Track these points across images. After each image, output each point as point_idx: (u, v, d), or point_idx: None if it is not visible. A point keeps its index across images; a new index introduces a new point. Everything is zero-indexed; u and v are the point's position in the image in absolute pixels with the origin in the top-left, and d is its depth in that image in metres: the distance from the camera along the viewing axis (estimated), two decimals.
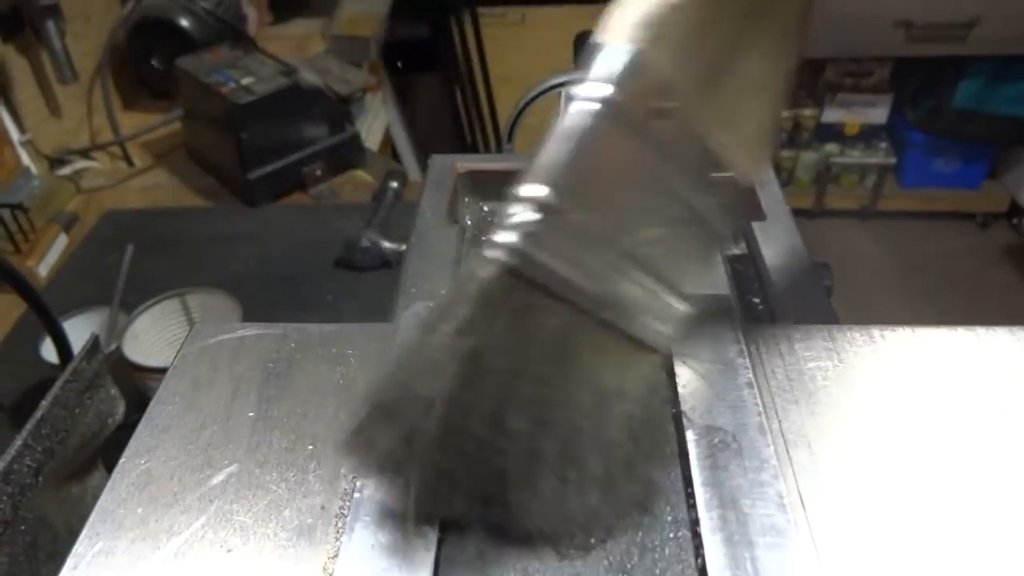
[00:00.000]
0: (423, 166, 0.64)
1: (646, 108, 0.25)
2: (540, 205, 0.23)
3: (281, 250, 1.05)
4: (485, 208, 0.64)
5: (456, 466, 0.25)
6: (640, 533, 0.27)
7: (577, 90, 0.25)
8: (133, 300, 0.81)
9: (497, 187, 0.64)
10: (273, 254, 1.05)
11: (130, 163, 1.29)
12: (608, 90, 0.24)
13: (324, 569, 0.27)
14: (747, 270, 0.55)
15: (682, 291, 0.30)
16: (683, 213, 0.28)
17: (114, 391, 0.57)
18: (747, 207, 0.55)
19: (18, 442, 0.46)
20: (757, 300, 0.52)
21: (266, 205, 1.15)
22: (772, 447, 0.29)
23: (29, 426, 0.47)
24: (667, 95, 0.25)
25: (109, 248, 1.05)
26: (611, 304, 0.26)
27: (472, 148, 2.28)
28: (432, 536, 0.26)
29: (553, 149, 0.24)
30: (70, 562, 0.27)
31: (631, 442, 0.28)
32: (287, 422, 0.33)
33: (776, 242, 0.52)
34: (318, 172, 1.16)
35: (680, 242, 0.29)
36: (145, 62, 1.40)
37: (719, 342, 0.33)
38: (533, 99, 0.80)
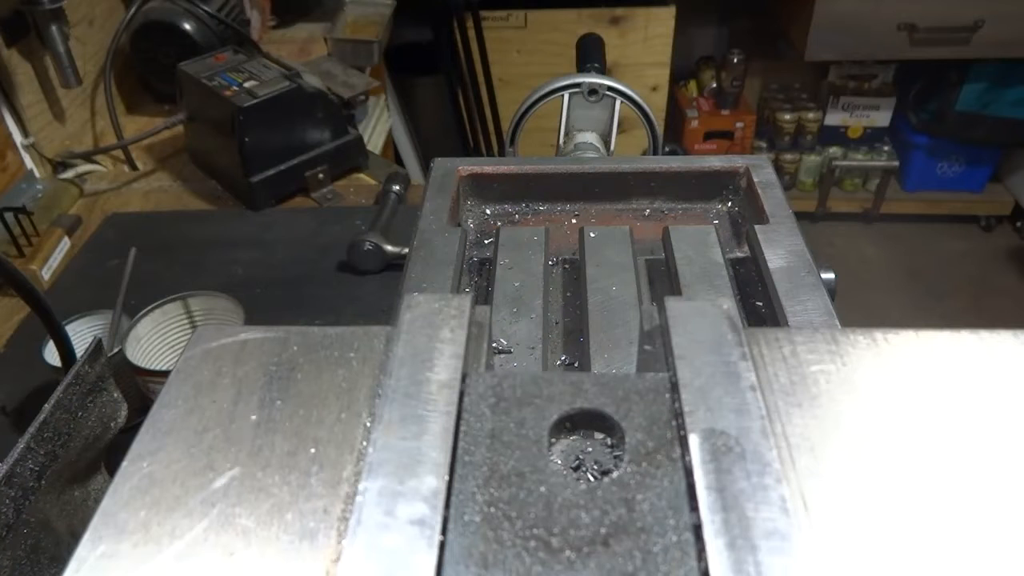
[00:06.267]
0: (425, 169, 0.64)
1: None
2: None
3: (284, 253, 1.06)
4: (487, 211, 0.64)
5: None
6: (643, 537, 0.27)
7: None
8: (136, 303, 0.81)
9: (499, 190, 0.64)
10: (276, 257, 1.05)
11: (133, 167, 1.29)
12: None
13: (326, 572, 0.27)
14: (750, 273, 0.55)
15: None
16: None
17: (117, 394, 0.58)
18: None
19: (20, 445, 0.46)
20: (760, 303, 0.52)
21: (269, 208, 1.15)
22: (775, 451, 0.29)
23: (32, 429, 0.47)
24: None
25: (112, 251, 1.05)
26: None
27: (474, 151, 2.28)
28: (434, 538, 0.26)
29: None
30: (72, 565, 0.27)
31: None
32: (289, 425, 0.33)
33: (779, 245, 0.52)
34: (320, 175, 1.17)
35: None
36: (148, 66, 1.40)
37: (722, 345, 0.33)
38: (536, 102, 0.80)
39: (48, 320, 0.60)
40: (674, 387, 0.32)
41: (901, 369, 0.34)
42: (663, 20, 2.28)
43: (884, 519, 0.28)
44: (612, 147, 0.81)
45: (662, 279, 0.56)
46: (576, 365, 0.49)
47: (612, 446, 0.32)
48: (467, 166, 0.63)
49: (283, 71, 1.14)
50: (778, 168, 2.67)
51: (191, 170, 1.27)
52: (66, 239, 1.07)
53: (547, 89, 0.80)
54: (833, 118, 2.65)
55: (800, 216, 0.55)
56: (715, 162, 0.62)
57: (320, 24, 1.68)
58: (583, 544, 0.27)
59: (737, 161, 0.62)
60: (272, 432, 0.32)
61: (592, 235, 0.56)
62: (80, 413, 0.53)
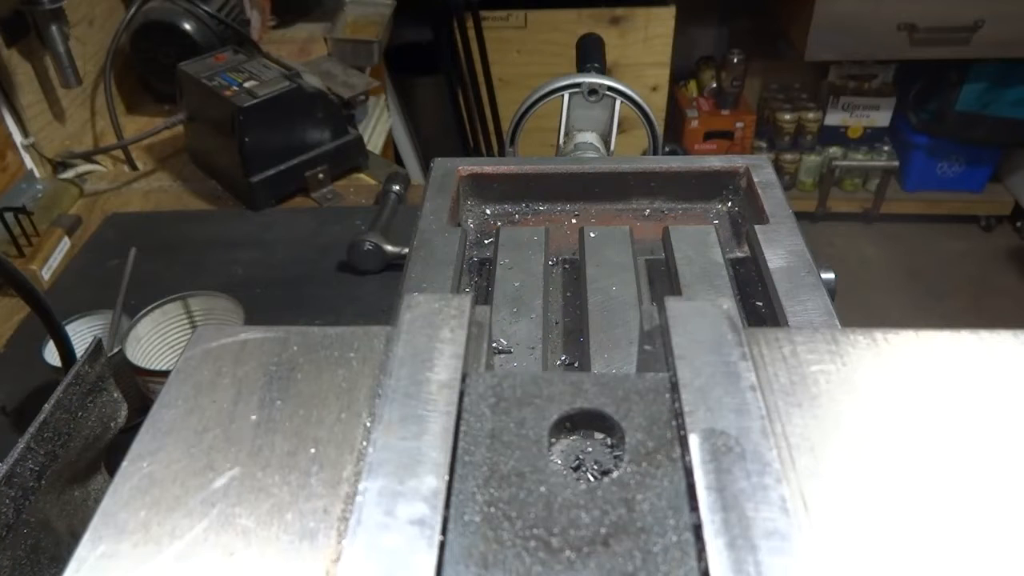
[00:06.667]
0: (425, 169, 0.64)
1: None
2: None
3: (284, 253, 1.06)
4: (487, 211, 0.64)
5: None
6: (643, 537, 0.27)
7: None
8: (136, 303, 0.81)
9: (499, 190, 0.64)
10: (276, 257, 1.05)
11: (133, 167, 1.29)
12: None
13: (326, 572, 0.27)
14: (750, 273, 0.55)
15: None
16: None
17: (117, 394, 0.58)
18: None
19: (21, 445, 0.46)
20: (760, 303, 0.52)
21: (269, 208, 1.15)
22: (775, 451, 0.29)
23: (32, 429, 0.47)
24: None
25: (112, 251, 1.05)
26: None
27: (474, 151, 2.28)
28: (434, 538, 0.26)
29: None
30: (72, 565, 0.27)
31: None
32: (289, 425, 0.33)
33: (779, 245, 0.52)
34: (320, 175, 1.17)
35: None
36: (148, 66, 1.40)
37: (722, 345, 0.33)
38: (536, 102, 0.80)
39: (48, 320, 0.60)
40: (674, 387, 0.32)
41: (901, 369, 0.34)
42: (663, 20, 2.28)
43: (884, 519, 0.28)
44: (612, 147, 0.81)
45: (662, 279, 0.56)
46: (576, 365, 0.49)
47: (612, 446, 0.32)
48: (467, 166, 0.63)
49: (283, 71, 1.14)
50: (778, 168, 2.68)
51: (191, 170, 1.27)
52: (66, 239, 1.07)
53: (547, 89, 0.80)
54: (833, 118, 2.65)
55: (800, 216, 0.55)
56: (715, 162, 0.62)
57: (320, 24, 1.68)
58: (583, 544, 0.27)
59: (737, 161, 0.62)
60: (272, 432, 0.32)
61: (592, 235, 0.56)
62: (80, 413, 0.53)
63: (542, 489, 0.29)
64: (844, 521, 0.28)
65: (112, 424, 0.57)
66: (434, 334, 0.35)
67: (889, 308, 2.43)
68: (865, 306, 2.40)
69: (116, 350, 0.75)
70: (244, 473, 0.30)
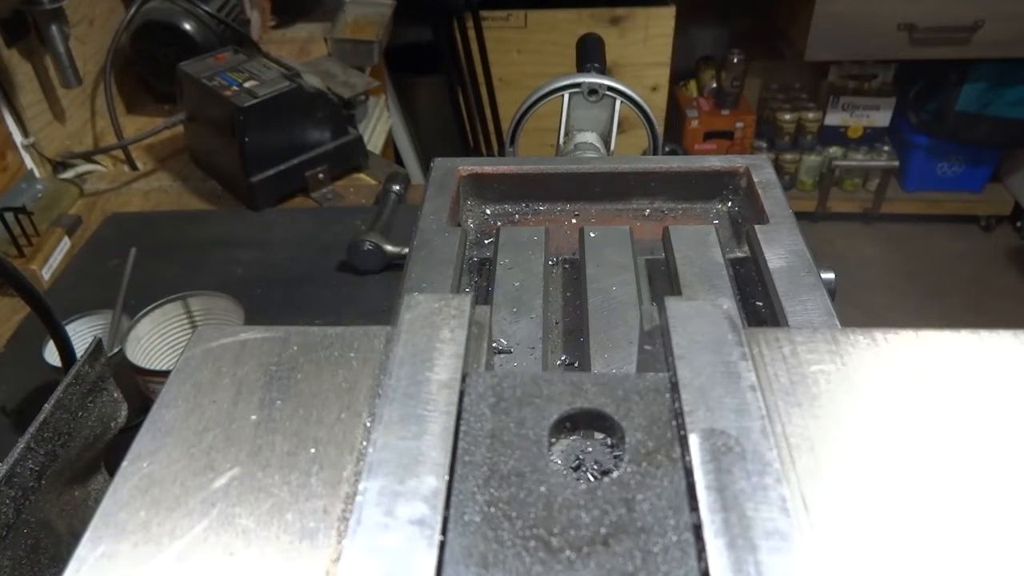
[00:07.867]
0: (425, 169, 0.64)
1: None
2: None
3: (284, 253, 1.06)
4: (487, 211, 0.64)
5: None
6: (643, 537, 0.27)
7: None
8: (136, 303, 0.81)
9: (499, 190, 0.64)
10: (276, 257, 1.05)
11: (133, 167, 1.29)
12: None
13: (326, 572, 0.27)
14: (750, 273, 0.55)
15: None
16: None
17: (117, 394, 0.58)
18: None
19: (21, 445, 0.46)
20: (760, 303, 0.52)
21: (269, 208, 1.15)
22: (775, 451, 0.29)
23: (32, 429, 0.47)
24: None
25: (112, 251, 1.05)
26: None
27: (474, 151, 2.28)
28: (434, 538, 0.26)
29: None
30: (72, 565, 0.27)
31: None
32: (289, 425, 0.33)
33: (779, 245, 0.52)
34: (321, 175, 1.17)
35: None
36: (148, 66, 1.40)
37: (722, 345, 0.33)
38: (536, 102, 0.80)
39: (48, 320, 0.60)
40: (674, 387, 0.32)
41: (901, 369, 0.34)
42: (663, 20, 2.28)
43: (884, 519, 0.28)
44: (612, 147, 0.81)
45: (662, 279, 0.56)
46: (576, 365, 0.49)
47: (612, 446, 0.32)
48: (467, 166, 0.63)
49: (283, 71, 1.14)
50: (778, 168, 2.68)
51: (191, 170, 1.27)
52: (66, 239, 1.07)
53: (547, 89, 0.80)
54: (833, 118, 2.65)
55: (800, 216, 0.55)
56: (715, 162, 0.62)
57: (320, 24, 1.68)
58: (583, 544, 0.27)
59: (737, 161, 0.62)
60: (272, 432, 0.32)
61: (592, 235, 0.56)
62: (80, 413, 0.53)
63: (542, 489, 0.29)
64: (844, 521, 0.28)
65: (112, 424, 0.57)
66: (434, 334, 0.35)
67: (889, 308, 2.43)
68: (865, 306, 2.40)
69: (116, 350, 0.75)
70: (244, 473, 0.30)
